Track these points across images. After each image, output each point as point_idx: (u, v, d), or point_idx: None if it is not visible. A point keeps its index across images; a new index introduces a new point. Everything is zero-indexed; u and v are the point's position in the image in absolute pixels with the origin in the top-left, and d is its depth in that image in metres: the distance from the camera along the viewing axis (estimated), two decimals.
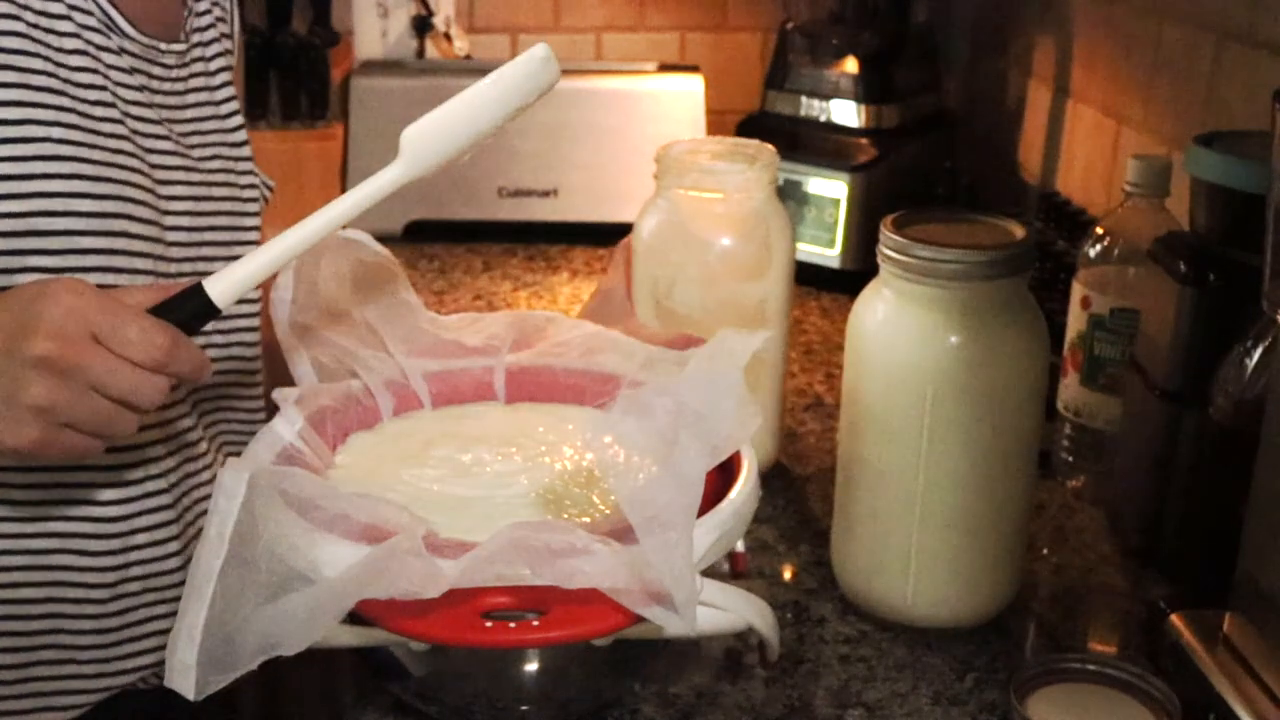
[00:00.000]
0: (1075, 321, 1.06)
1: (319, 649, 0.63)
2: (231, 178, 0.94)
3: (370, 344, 0.85)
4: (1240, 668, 0.75)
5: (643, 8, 1.89)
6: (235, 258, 0.75)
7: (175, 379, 0.71)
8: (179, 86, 0.91)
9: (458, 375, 0.88)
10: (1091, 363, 1.05)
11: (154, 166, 0.86)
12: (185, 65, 0.91)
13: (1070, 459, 1.08)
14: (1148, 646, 0.85)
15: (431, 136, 0.72)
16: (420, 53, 1.79)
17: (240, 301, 0.73)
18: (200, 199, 0.91)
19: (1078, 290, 1.05)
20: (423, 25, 1.78)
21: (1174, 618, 0.81)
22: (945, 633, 0.88)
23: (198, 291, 0.71)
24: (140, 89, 0.87)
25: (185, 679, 0.61)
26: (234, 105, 0.95)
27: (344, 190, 1.65)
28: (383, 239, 0.83)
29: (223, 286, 0.71)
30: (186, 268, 0.89)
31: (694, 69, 1.75)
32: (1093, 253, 1.04)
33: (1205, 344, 0.88)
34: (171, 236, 0.88)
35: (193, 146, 0.91)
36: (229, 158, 0.94)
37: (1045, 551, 0.99)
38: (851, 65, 1.58)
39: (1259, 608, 0.74)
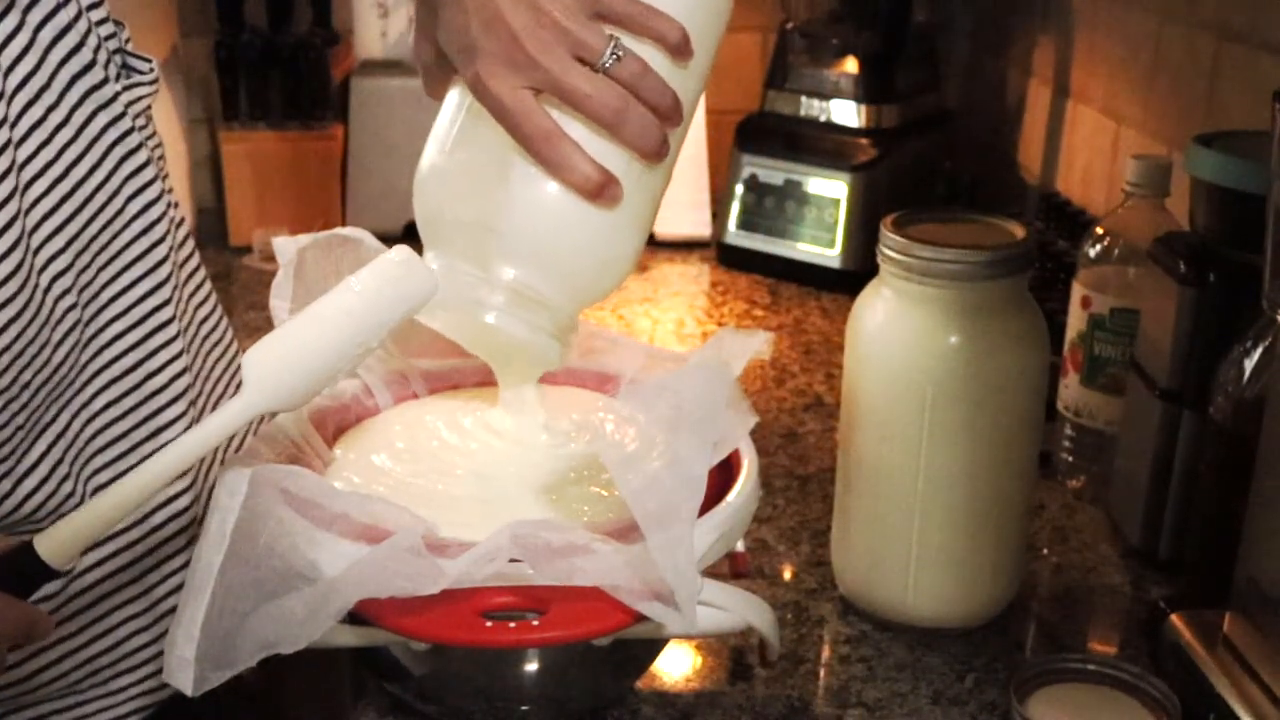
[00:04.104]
0: (1075, 321, 1.06)
1: (319, 649, 0.63)
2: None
3: None
4: (1240, 668, 0.75)
5: None
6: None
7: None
8: None
9: (457, 373, 0.88)
10: (1091, 363, 1.05)
11: None
12: None
13: (1070, 459, 1.08)
14: (1148, 646, 0.85)
15: (274, 360, 0.64)
16: None
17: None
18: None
19: (1078, 290, 1.05)
20: None
21: (1174, 618, 0.81)
22: (945, 633, 0.88)
23: (26, 550, 0.61)
24: None
25: (184, 675, 0.61)
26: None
27: (343, 190, 1.68)
28: (383, 238, 0.82)
29: (55, 543, 0.61)
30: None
31: None
32: (1093, 253, 1.04)
33: (1205, 344, 0.88)
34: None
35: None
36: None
37: (1045, 551, 0.99)
38: (851, 65, 1.58)
39: (1259, 608, 0.74)
